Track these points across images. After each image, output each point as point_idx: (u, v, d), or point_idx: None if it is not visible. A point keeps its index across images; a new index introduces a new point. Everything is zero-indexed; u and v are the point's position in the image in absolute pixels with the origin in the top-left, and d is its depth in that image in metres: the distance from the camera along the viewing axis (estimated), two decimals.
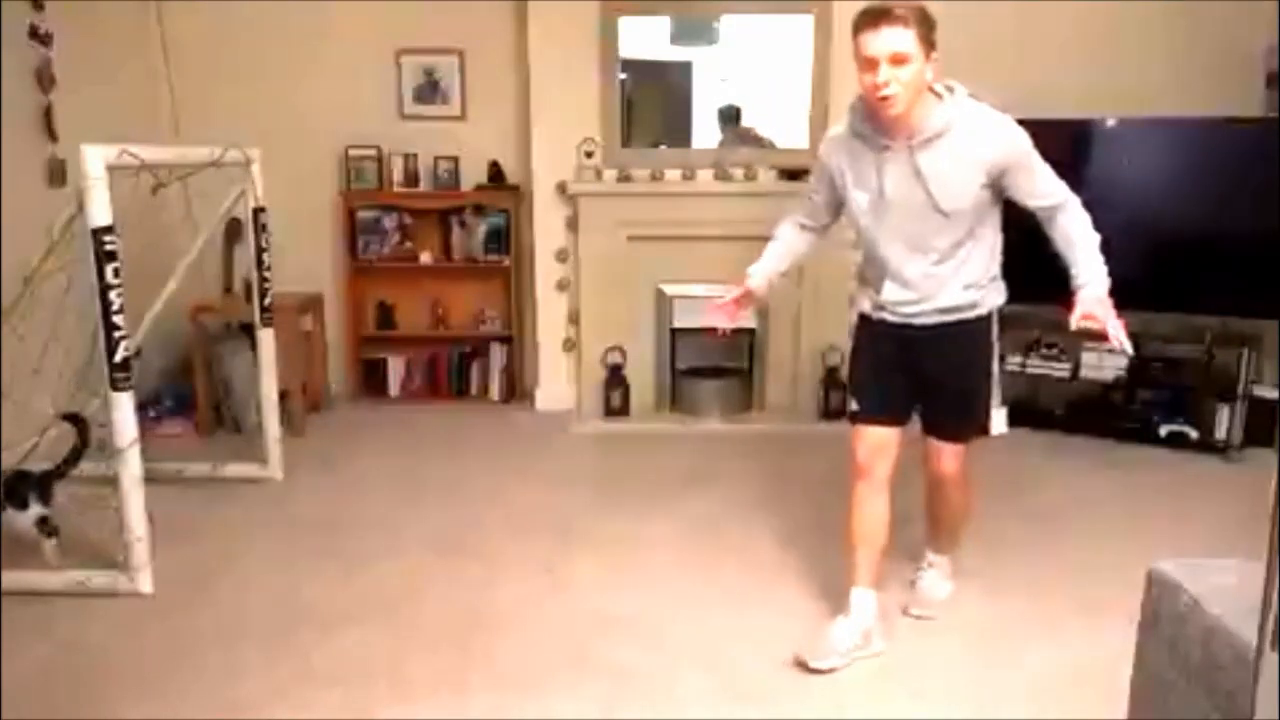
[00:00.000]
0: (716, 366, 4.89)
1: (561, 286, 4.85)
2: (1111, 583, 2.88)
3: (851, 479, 2.60)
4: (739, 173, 4.69)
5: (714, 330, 2.98)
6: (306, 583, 2.99)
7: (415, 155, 4.93)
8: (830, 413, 4.71)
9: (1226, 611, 1.48)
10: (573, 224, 4.76)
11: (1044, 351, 4.63)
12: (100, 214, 2.70)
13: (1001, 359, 4.38)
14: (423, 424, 4.75)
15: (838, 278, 4.71)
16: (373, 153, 4.93)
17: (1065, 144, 4.60)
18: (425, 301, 5.12)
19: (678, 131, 4.95)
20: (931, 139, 2.34)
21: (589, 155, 4.70)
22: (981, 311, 2.55)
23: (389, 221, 5.00)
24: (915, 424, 2.65)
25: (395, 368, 5.18)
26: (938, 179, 2.34)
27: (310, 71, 4.92)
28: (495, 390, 5.13)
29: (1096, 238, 2.49)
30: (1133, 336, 4.43)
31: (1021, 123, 4.79)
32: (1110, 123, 4.49)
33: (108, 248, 2.71)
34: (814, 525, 3.47)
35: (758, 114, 4.89)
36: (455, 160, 4.95)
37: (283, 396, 4.04)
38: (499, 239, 4.99)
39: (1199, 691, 1.51)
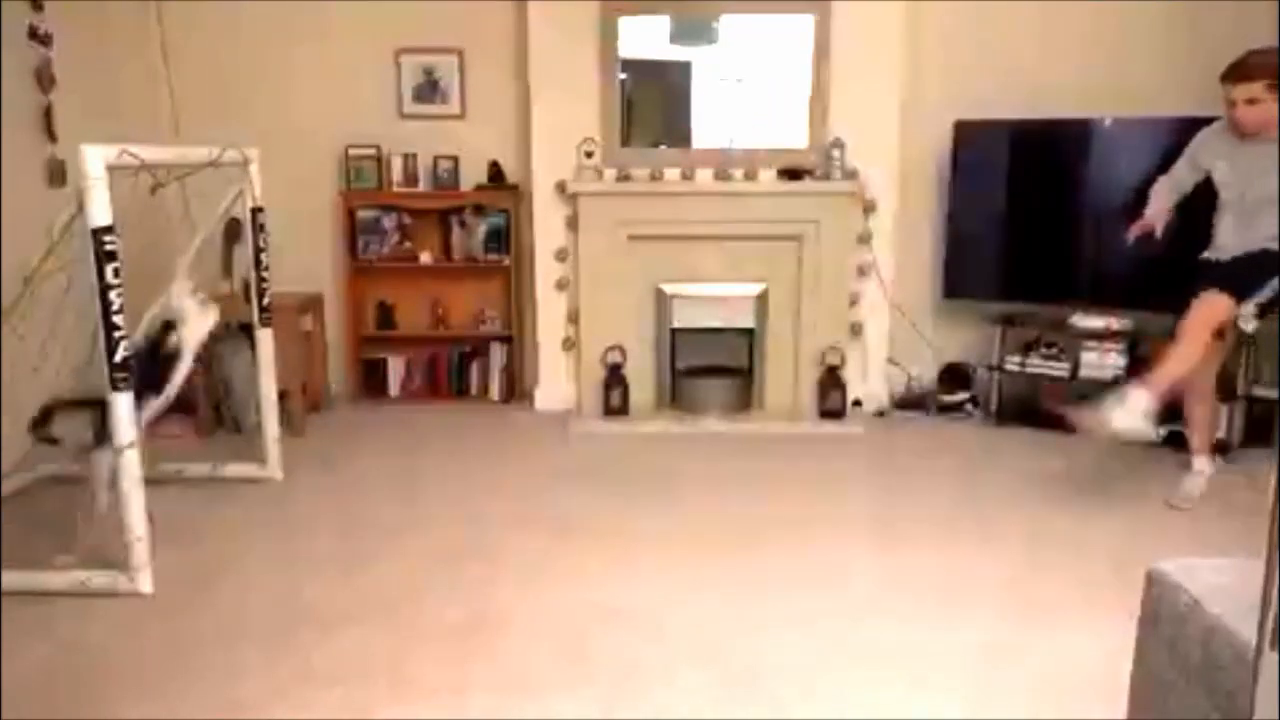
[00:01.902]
0: (716, 366, 4.89)
1: (561, 286, 4.85)
2: (1111, 582, 2.89)
3: None
4: (739, 173, 4.69)
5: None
6: (306, 583, 2.99)
7: (415, 155, 4.93)
8: (829, 412, 4.71)
9: (1226, 611, 1.48)
10: (573, 224, 4.76)
11: (1044, 351, 4.64)
12: (100, 214, 2.70)
13: (1003, 358, 4.40)
14: (423, 424, 4.75)
15: (837, 278, 4.73)
16: (372, 152, 4.93)
17: (1065, 144, 4.62)
18: (425, 301, 5.12)
19: (678, 131, 4.94)
20: None
21: (589, 155, 4.70)
22: None
23: (389, 221, 5.00)
24: None
25: (395, 368, 5.18)
26: None
27: (310, 71, 4.92)
28: (495, 390, 5.13)
29: None
30: (1132, 336, 4.49)
31: (1022, 123, 4.84)
32: (1109, 122, 4.49)
33: (108, 248, 2.71)
34: (814, 522, 3.48)
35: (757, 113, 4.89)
36: (455, 160, 4.95)
37: (282, 396, 4.04)
38: (499, 239, 4.99)
39: (1199, 691, 1.51)
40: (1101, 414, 3.45)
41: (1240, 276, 3.51)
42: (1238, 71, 3.41)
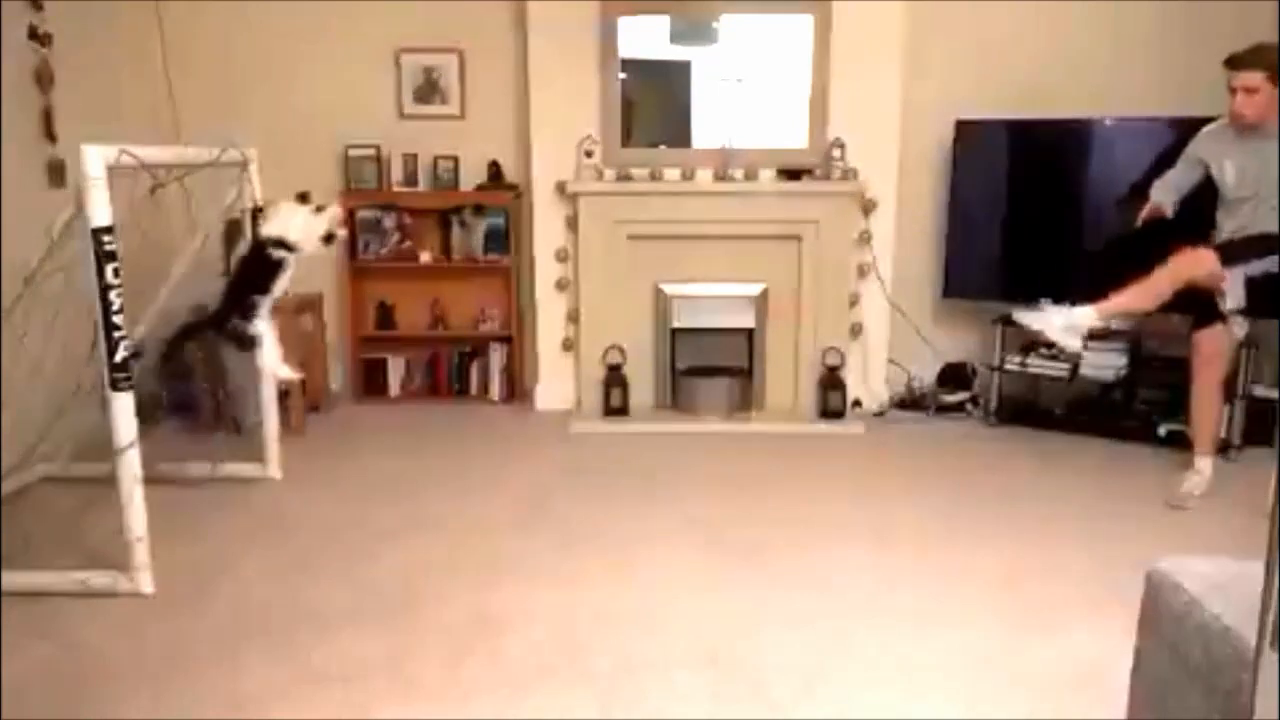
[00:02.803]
0: (716, 366, 4.88)
1: (561, 286, 4.85)
2: (1111, 582, 2.89)
3: None
4: (739, 173, 4.69)
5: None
6: (306, 582, 2.99)
7: (415, 155, 4.93)
8: (829, 412, 4.71)
9: (1226, 611, 1.48)
10: (573, 224, 4.76)
11: (1044, 351, 4.63)
12: (100, 214, 2.70)
13: (1003, 358, 4.42)
14: (423, 424, 4.74)
15: (837, 278, 4.73)
16: (372, 152, 4.93)
17: (1065, 144, 4.62)
18: (425, 301, 5.12)
19: (678, 131, 4.94)
20: None
21: (589, 155, 4.70)
22: None
23: (389, 221, 5.00)
24: None
25: (395, 368, 5.17)
26: None
27: (310, 71, 4.92)
28: (495, 390, 5.13)
29: None
30: (1132, 336, 4.50)
31: (1022, 123, 4.85)
32: (1109, 122, 4.49)
33: (107, 248, 2.71)
34: (813, 522, 3.48)
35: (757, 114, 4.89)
36: (455, 160, 4.95)
37: (282, 396, 4.04)
38: (499, 239, 4.99)
39: (1199, 691, 1.51)
40: (1044, 318, 3.58)
41: (1235, 245, 3.54)
42: (1240, 59, 3.45)
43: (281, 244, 3.32)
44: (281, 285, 3.39)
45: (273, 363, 3.43)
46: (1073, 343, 3.59)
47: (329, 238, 3.45)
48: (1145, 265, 3.57)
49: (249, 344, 3.34)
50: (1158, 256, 3.57)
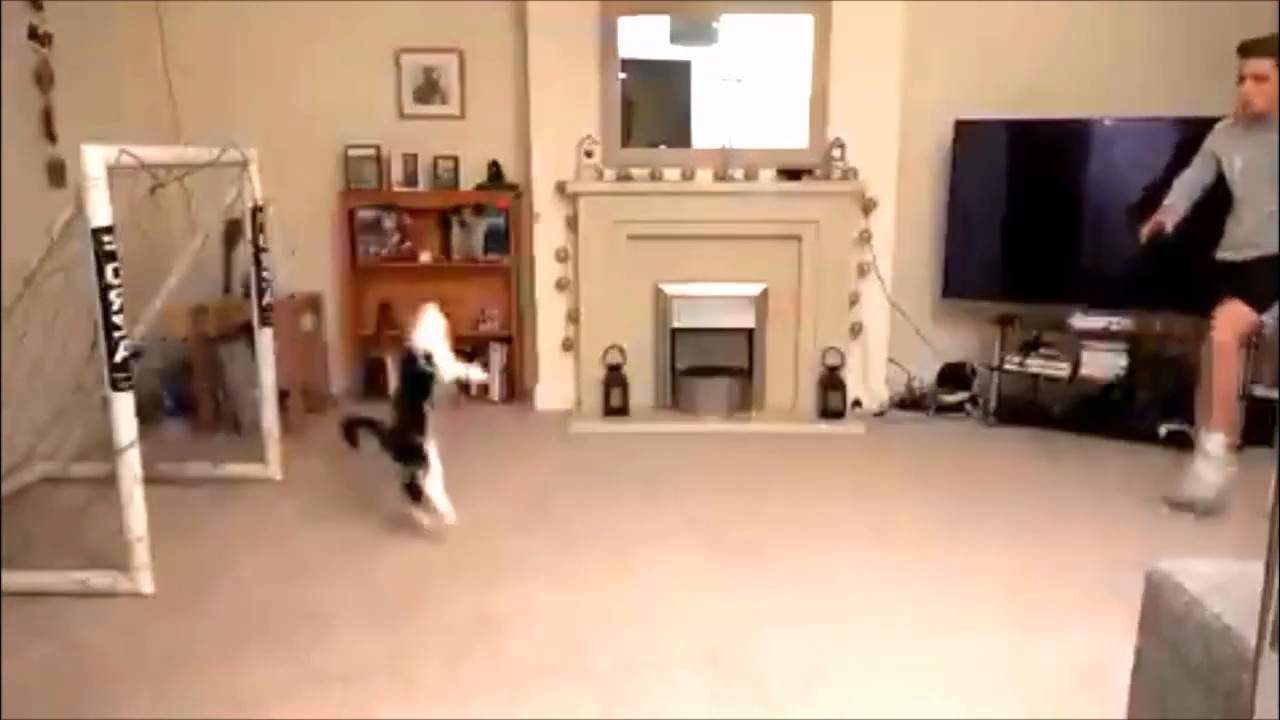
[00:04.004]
0: (716, 366, 4.88)
1: (561, 286, 4.85)
2: (1111, 582, 2.89)
3: None
4: (739, 173, 4.69)
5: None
6: (306, 582, 2.99)
7: (415, 155, 4.93)
8: (829, 412, 4.71)
9: (1226, 611, 1.48)
10: (573, 224, 4.76)
11: (1043, 351, 4.64)
12: (100, 214, 2.70)
13: (1003, 358, 4.40)
14: None
15: (837, 278, 4.73)
16: (372, 152, 4.93)
17: (1065, 144, 4.62)
18: (425, 301, 5.10)
19: (678, 131, 4.94)
20: None
21: (589, 155, 4.70)
22: None
23: (389, 221, 5.00)
24: None
25: (395, 368, 5.16)
26: None
27: (310, 71, 4.92)
28: (495, 390, 5.13)
29: None
30: (1132, 336, 4.50)
31: (1022, 122, 4.84)
32: (1109, 122, 4.49)
33: (107, 248, 2.71)
34: (813, 522, 3.48)
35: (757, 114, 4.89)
36: (455, 160, 4.95)
37: (282, 396, 4.04)
38: (499, 239, 4.99)
39: (1199, 691, 1.51)
40: (1197, 483, 3.56)
41: (1259, 286, 3.55)
42: (1251, 46, 3.48)
43: (429, 359, 3.37)
44: (438, 395, 3.42)
45: (436, 491, 3.28)
46: (1230, 469, 3.59)
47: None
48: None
49: (417, 459, 3.28)
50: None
